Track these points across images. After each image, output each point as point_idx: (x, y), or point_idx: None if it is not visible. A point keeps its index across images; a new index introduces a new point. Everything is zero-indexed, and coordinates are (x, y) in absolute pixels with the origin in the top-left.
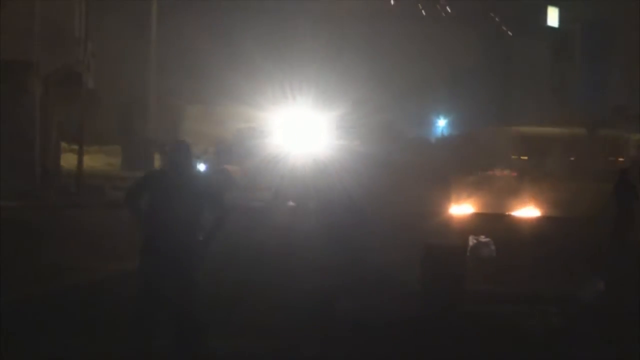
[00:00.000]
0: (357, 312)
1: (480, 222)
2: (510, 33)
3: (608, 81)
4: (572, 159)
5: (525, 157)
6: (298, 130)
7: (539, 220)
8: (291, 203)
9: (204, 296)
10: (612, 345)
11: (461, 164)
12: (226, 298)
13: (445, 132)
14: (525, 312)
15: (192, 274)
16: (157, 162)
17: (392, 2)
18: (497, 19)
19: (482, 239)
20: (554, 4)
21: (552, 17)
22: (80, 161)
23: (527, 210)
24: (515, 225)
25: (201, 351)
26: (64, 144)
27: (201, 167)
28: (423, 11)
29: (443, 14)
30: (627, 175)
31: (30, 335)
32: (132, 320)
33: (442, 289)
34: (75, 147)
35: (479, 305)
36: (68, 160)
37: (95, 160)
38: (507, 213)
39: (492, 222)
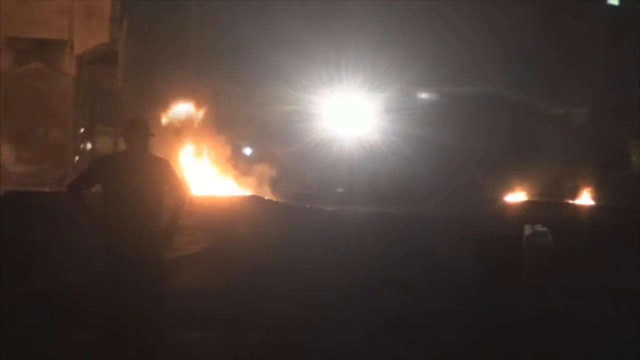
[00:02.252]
0: (408, 303)
1: (536, 210)
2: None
3: None
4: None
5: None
6: (345, 113)
7: (596, 209)
8: (340, 189)
9: (171, 289)
10: None
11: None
12: (267, 288)
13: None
14: (582, 305)
15: (156, 266)
16: None
17: None
18: None
19: (539, 227)
20: None
21: None
22: (115, 144)
23: (583, 199)
24: (572, 213)
25: (157, 348)
26: (98, 126)
27: (247, 151)
28: None
29: None
30: None
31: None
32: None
33: (496, 280)
34: (111, 129)
35: (534, 297)
36: (103, 143)
37: None
38: (564, 201)
39: (548, 210)
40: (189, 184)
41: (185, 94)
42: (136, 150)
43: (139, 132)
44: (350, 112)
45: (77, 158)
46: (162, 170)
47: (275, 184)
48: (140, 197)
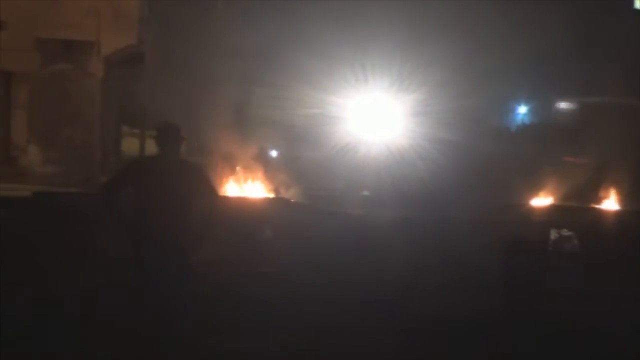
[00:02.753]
0: (437, 308)
1: (562, 215)
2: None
3: None
4: None
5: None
6: (372, 116)
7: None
8: (365, 193)
9: (202, 293)
10: None
11: (541, 153)
12: (293, 293)
13: (526, 121)
14: (608, 310)
15: (188, 267)
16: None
17: None
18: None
19: (565, 232)
20: None
21: None
22: (142, 145)
23: (609, 203)
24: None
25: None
26: (125, 128)
27: (273, 154)
28: None
29: None
30: None
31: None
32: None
33: (523, 285)
34: (137, 130)
35: (561, 302)
36: (129, 145)
37: None
38: (590, 205)
39: (574, 214)
40: (219, 190)
41: (212, 96)
42: (168, 155)
43: (171, 137)
44: (377, 115)
45: (111, 159)
46: (193, 176)
47: (299, 187)
48: (171, 201)
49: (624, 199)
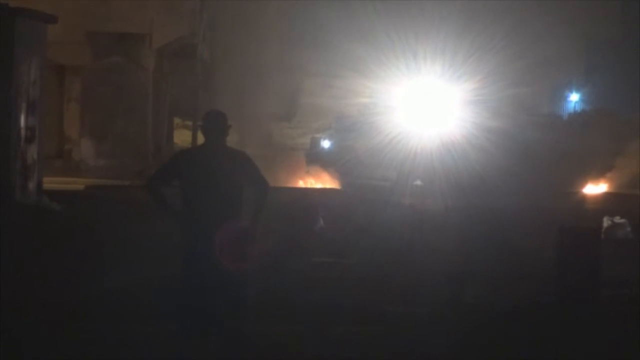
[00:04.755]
0: (490, 298)
1: (615, 202)
2: None
3: None
4: None
5: None
6: (424, 105)
7: None
8: (418, 182)
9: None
10: None
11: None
12: (348, 282)
13: (578, 108)
14: None
15: (241, 259)
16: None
17: None
18: None
19: (617, 219)
20: None
21: None
22: (194, 138)
23: None
24: None
25: (244, 340)
26: (177, 120)
27: (325, 144)
28: None
29: None
30: None
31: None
32: (178, 312)
33: (576, 273)
34: (189, 122)
35: (615, 289)
36: (181, 137)
37: None
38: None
39: (627, 202)
40: (267, 179)
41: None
42: (214, 144)
43: (217, 125)
44: (429, 104)
45: (164, 152)
46: (240, 164)
47: (351, 177)
48: (219, 190)
49: None
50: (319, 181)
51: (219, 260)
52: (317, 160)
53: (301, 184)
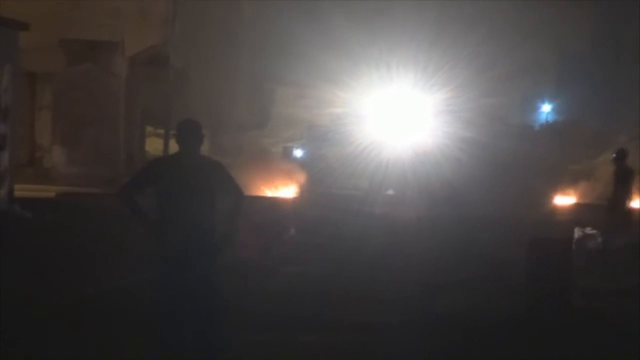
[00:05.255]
0: (462, 308)
1: (585, 213)
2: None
3: None
4: None
5: None
6: (396, 115)
7: None
8: (390, 191)
9: (226, 289)
10: None
11: (566, 152)
12: (319, 291)
13: (550, 118)
14: (633, 308)
15: (212, 266)
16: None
17: None
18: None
19: (589, 230)
20: None
21: None
22: (166, 146)
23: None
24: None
25: (221, 347)
26: (149, 128)
27: (298, 153)
28: None
29: None
30: None
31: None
32: (156, 318)
33: (547, 284)
34: (161, 130)
35: (587, 300)
36: (153, 145)
37: None
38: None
39: (598, 213)
40: (242, 187)
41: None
42: (188, 152)
43: (191, 134)
44: (401, 114)
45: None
46: (215, 173)
47: (324, 186)
48: (193, 199)
49: None
50: (293, 183)
51: (193, 267)
52: (289, 169)
53: (272, 191)
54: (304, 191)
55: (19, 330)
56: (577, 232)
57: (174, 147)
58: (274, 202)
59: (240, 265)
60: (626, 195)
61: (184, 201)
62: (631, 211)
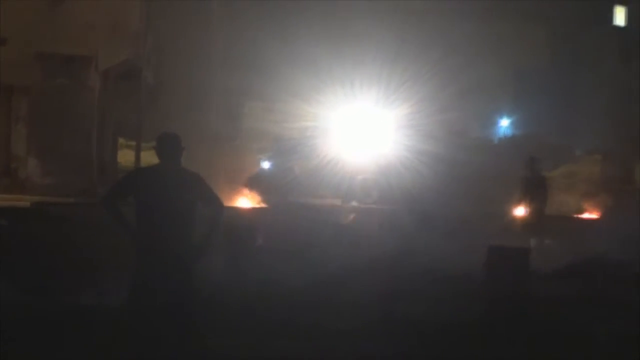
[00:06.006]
0: (418, 314)
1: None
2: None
3: None
4: None
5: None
6: (360, 129)
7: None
8: (354, 203)
9: (205, 298)
10: None
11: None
12: (282, 296)
13: (508, 133)
14: (591, 315)
15: (190, 276)
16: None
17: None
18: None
19: (544, 240)
20: (621, 4)
21: (620, 16)
22: (137, 158)
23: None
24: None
25: (201, 354)
26: (121, 140)
27: (266, 165)
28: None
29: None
30: None
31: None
32: (131, 325)
33: (504, 291)
34: (133, 143)
35: (542, 307)
36: (125, 157)
37: (153, 157)
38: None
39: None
40: (221, 199)
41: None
42: (168, 165)
43: (171, 147)
44: (365, 128)
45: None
46: (194, 185)
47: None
48: (171, 211)
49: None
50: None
51: (170, 277)
52: (258, 180)
53: (243, 201)
54: (272, 201)
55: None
56: (533, 242)
57: (145, 159)
58: (244, 211)
59: (212, 272)
60: (543, 202)
61: (163, 213)
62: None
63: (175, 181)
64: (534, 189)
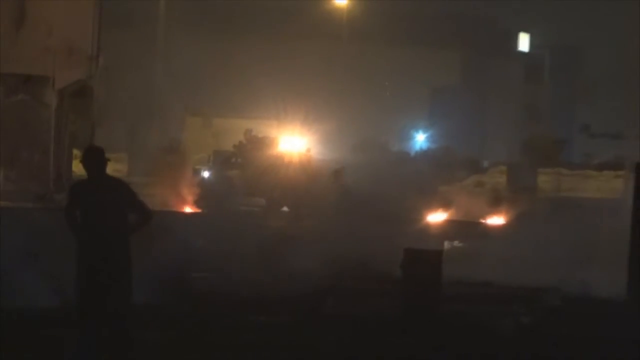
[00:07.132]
0: (344, 310)
1: (455, 229)
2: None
3: (574, 101)
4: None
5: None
6: (293, 142)
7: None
8: (285, 208)
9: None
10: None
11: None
12: (220, 296)
13: (424, 146)
14: (498, 312)
15: (123, 281)
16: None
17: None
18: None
19: (456, 243)
20: (525, 30)
21: (524, 42)
22: None
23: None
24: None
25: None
26: (75, 151)
27: (205, 174)
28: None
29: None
30: None
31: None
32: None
33: (419, 291)
34: None
35: (454, 306)
36: (79, 166)
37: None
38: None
39: (466, 228)
40: (145, 203)
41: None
42: (95, 176)
43: (95, 159)
44: (297, 142)
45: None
46: (120, 192)
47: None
48: (103, 218)
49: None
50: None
51: (104, 275)
52: (197, 187)
53: (183, 207)
54: (210, 207)
55: None
56: (446, 245)
57: None
58: (185, 216)
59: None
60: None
61: (94, 221)
62: None
63: (103, 190)
64: (340, 196)
